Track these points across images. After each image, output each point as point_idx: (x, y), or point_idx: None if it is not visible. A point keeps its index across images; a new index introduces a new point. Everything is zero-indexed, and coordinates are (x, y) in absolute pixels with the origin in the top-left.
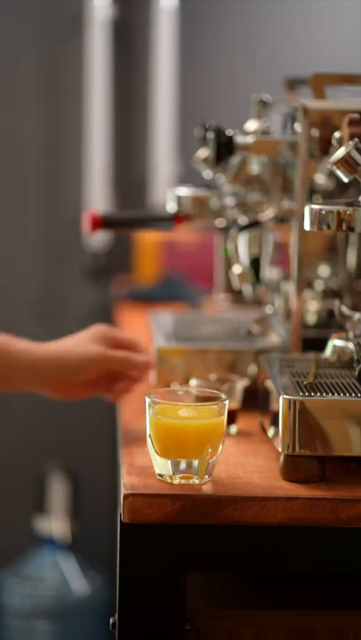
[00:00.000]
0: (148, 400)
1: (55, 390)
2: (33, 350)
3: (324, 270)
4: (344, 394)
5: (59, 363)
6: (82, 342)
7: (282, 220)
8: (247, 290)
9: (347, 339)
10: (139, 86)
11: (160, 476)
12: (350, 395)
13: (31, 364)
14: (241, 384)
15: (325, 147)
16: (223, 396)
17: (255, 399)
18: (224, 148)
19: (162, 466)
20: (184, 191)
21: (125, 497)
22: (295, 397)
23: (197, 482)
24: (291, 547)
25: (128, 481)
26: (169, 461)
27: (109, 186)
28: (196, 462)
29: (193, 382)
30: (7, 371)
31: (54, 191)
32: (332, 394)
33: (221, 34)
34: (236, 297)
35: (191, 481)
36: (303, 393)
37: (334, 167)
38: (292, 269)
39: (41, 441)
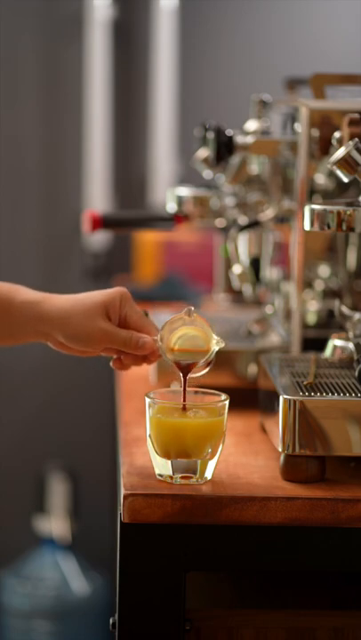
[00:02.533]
0: (148, 400)
1: (59, 346)
2: (39, 304)
3: (324, 270)
4: (344, 394)
5: (60, 326)
6: (88, 313)
7: (282, 219)
8: (247, 290)
9: (347, 339)
10: (139, 86)
11: (160, 475)
12: (350, 395)
13: (34, 320)
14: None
15: (325, 147)
16: (223, 396)
17: (255, 399)
18: (224, 148)
19: (162, 466)
20: (184, 191)
21: (125, 497)
22: (295, 397)
23: (197, 482)
24: (291, 547)
25: (128, 481)
26: (169, 461)
27: (109, 186)
28: (196, 462)
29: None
30: (10, 325)
31: (54, 191)
32: (332, 394)
33: (221, 34)
34: (236, 297)
35: (191, 481)
36: (303, 393)
37: (334, 167)
38: (292, 269)
39: (41, 441)
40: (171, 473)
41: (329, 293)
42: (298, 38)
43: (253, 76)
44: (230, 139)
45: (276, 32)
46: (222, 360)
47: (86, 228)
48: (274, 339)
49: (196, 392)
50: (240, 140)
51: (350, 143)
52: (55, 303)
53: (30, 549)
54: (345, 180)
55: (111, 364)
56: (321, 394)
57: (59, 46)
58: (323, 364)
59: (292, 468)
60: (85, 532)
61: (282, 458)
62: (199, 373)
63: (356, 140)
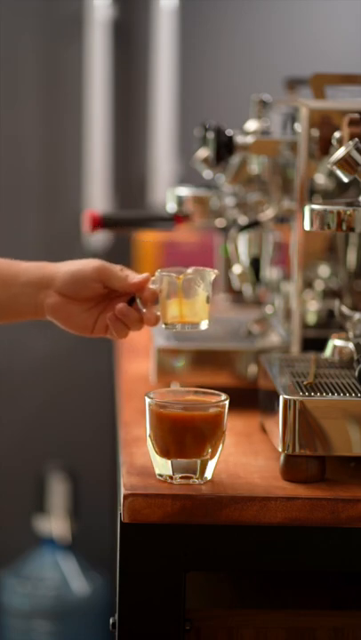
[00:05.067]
0: (148, 400)
1: (58, 311)
2: (39, 265)
3: (324, 270)
4: (344, 394)
5: (61, 272)
6: (84, 260)
7: (282, 219)
8: (247, 290)
9: (347, 339)
10: (139, 86)
11: (160, 475)
12: (350, 395)
13: (36, 277)
14: (211, 274)
15: (325, 147)
16: (223, 396)
17: (255, 399)
18: (224, 148)
19: (162, 466)
20: (184, 191)
21: (125, 497)
22: (295, 397)
23: (197, 482)
24: (291, 547)
25: (128, 481)
26: (169, 461)
27: (109, 186)
28: (196, 462)
29: (158, 275)
30: (14, 290)
31: (54, 191)
32: (332, 394)
33: (221, 34)
34: (236, 297)
35: (191, 481)
36: (303, 393)
37: (334, 167)
38: (292, 269)
39: (41, 441)
40: (171, 473)
41: (329, 293)
42: (298, 38)
43: (253, 76)
44: (230, 139)
45: (276, 32)
46: (222, 360)
47: (86, 228)
48: (274, 339)
49: (196, 392)
50: (240, 139)
51: (350, 143)
52: (54, 263)
53: (30, 549)
54: (345, 179)
55: (111, 331)
56: (321, 394)
57: (59, 46)
58: (323, 363)
59: (292, 468)
60: (85, 531)
61: (282, 458)
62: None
63: (356, 140)
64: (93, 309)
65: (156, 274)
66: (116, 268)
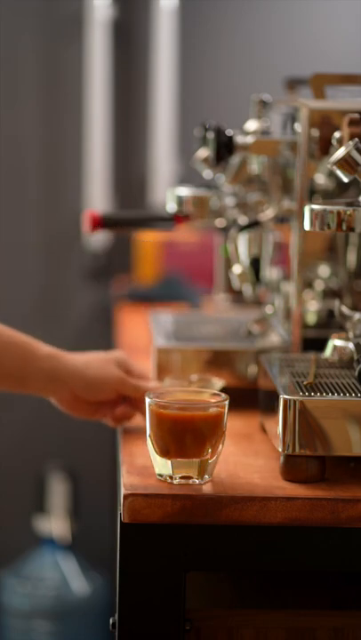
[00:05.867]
0: (148, 400)
1: (65, 401)
2: (57, 356)
3: (324, 270)
4: (344, 394)
5: (78, 375)
6: (103, 361)
7: (282, 219)
8: (247, 290)
9: (347, 339)
10: (139, 86)
11: (160, 475)
12: (350, 395)
13: (51, 369)
14: (217, 384)
15: (325, 147)
16: (223, 395)
17: (255, 399)
18: (224, 148)
19: (162, 466)
20: (184, 191)
21: (125, 497)
22: (295, 397)
23: (197, 482)
24: (291, 547)
25: (128, 481)
26: (169, 461)
27: (109, 186)
28: (196, 462)
29: (167, 382)
30: (28, 370)
31: (54, 191)
32: (332, 394)
33: (221, 34)
34: (236, 297)
35: (191, 481)
36: (303, 393)
37: (334, 167)
38: (292, 269)
39: (41, 441)
40: (171, 473)
41: (329, 293)
42: (298, 38)
43: (253, 76)
44: (230, 139)
45: (276, 32)
46: (222, 360)
47: (86, 227)
48: (274, 339)
49: (196, 392)
50: (240, 139)
51: (350, 143)
52: (72, 357)
53: (30, 549)
54: (345, 179)
55: (109, 420)
56: (321, 394)
57: (59, 46)
58: (323, 364)
59: (292, 468)
60: (85, 532)
61: (282, 458)
62: None
63: (356, 140)
64: (96, 409)
65: (165, 382)
66: (133, 380)
